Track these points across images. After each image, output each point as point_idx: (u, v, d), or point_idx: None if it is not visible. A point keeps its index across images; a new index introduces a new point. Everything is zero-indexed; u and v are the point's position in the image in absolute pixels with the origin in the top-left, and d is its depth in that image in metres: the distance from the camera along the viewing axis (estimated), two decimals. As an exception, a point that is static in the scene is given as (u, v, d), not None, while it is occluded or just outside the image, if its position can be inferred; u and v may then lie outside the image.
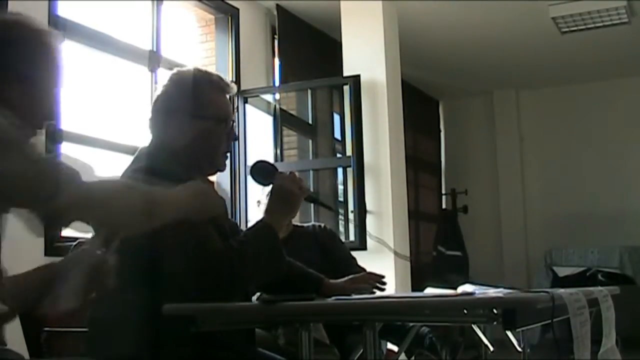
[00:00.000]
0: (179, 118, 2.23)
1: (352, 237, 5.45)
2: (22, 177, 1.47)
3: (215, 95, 2.30)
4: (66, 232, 3.86)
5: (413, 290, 5.57)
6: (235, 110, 5.68)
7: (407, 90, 6.63)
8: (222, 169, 2.35)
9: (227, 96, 2.34)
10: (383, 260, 5.20)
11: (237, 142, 5.63)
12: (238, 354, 2.14)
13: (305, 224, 4.04)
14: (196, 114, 2.24)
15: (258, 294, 2.53)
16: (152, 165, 2.12)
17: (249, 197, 5.50)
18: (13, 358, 1.72)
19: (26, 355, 2.13)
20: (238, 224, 5.43)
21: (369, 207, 5.38)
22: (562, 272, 7.46)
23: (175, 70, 2.35)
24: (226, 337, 2.14)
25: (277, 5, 6.05)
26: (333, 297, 2.07)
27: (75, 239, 3.72)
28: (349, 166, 5.47)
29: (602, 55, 7.73)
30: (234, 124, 2.34)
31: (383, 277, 2.73)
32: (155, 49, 4.89)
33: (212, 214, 1.95)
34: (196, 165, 2.25)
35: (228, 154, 2.35)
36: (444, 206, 9.13)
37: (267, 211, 2.16)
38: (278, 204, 2.16)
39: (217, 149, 2.30)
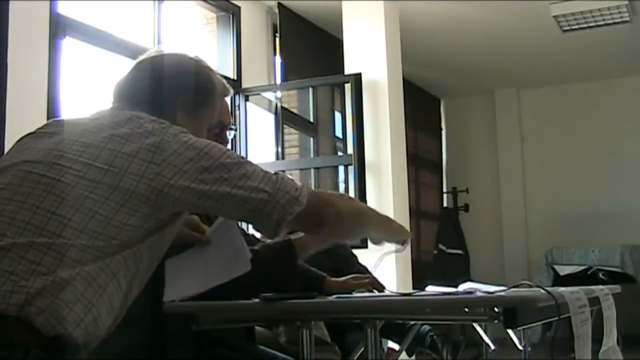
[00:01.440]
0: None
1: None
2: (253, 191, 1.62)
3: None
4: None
5: (414, 288, 5.57)
6: (237, 108, 5.68)
7: (408, 89, 6.63)
8: None
9: (227, 99, 2.33)
10: (384, 259, 5.19)
11: (238, 140, 5.63)
12: (239, 352, 2.14)
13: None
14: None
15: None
16: None
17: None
18: None
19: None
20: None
21: (370, 205, 5.37)
22: (563, 270, 7.46)
23: None
24: (227, 335, 2.14)
25: (279, 3, 6.05)
26: (334, 296, 2.07)
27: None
28: (350, 164, 5.47)
29: (604, 53, 7.72)
30: (229, 129, 2.32)
31: (384, 288, 2.72)
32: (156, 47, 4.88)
33: None
34: None
35: None
36: (445, 204, 9.13)
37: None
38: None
39: None
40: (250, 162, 1.66)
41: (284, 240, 2.12)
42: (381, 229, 2.03)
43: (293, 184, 1.65)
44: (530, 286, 2.09)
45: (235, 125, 2.31)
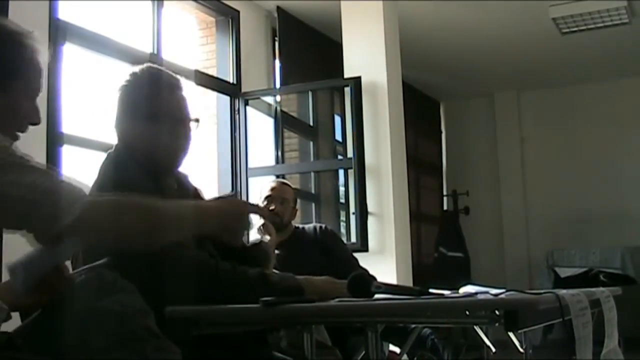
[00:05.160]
0: (135, 119, 2.24)
1: (353, 239, 5.45)
2: (18, 198, 1.49)
3: (168, 93, 2.26)
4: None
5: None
6: (236, 112, 5.68)
7: (408, 92, 6.63)
8: (175, 165, 2.31)
9: (180, 93, 2.29)
10: (385, 262, 5.20)
11: (238, 144, 5.63)
12: (251, 357, 2.15)
13: (307, 225, 4.04)
14: (148, 115, 2.23)
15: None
16: (106, 181, 2.15)
17: (250, 198, 5.50)
18: None
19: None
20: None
21: (370, 208, 5.37)
22: (563, 272, 7.46)
23: (134, 68, 2.33)
24: (238, 340, 2.14)
25: (278, 7, 6.05)
26: (336, 299, 2.07)
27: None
28: (350, 168, 5.47)
29: (603, 55, 7.73)
30: (189, 122, 2.28)
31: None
32: (156, 52, 4.89)
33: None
34: (154, 170, 2.24)
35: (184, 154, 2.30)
36: (445, 207, 9.13)
37: (309, 280, 2.19)
38: (320, 287, 2.16)
39: (178, 148, 2.27)
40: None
41: (297, 282, 2.14)
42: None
43: None
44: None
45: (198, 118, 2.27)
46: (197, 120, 2.30)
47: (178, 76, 2.32)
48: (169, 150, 2.25)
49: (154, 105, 2.22)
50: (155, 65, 2.36)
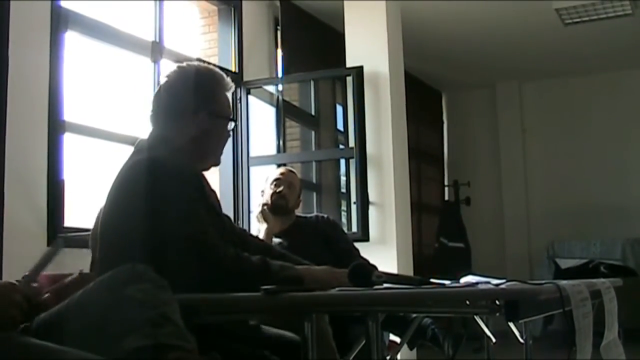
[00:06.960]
0: (183, 113, 2.24)
1: (354, 228, 5.45)
2: None
3: (221, 92, 2.30)
4: (69, 223, 3.87)
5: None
6: (238, 101, 5.68)
7: (409, 82, 6.62)
8: (218, 164, 2.38)
9: (223, 92, 2.33)
10: (385, 252, 5.21)
11: (239, 133, 5.63)
12: (244, 341, 2.16)
13: (308, 215, 4.05)
14: (203, 111, 2.24)
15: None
16: (155, 157, 2.13)
17: (251, 187, 5.51)
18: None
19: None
20: (241, 213, 5.46)
21: (371, 198, 5.38)
22: (564, 264, 7.46)
23: (182, 63, 2.35)
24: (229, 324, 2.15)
25: (280, -4, 6.04)
26: (337, 288, 2.07)
27: (76, 229, 3.72)
28: (352, 157, 5.47)
29: (606, 46, 7.71)
30: (227, 122, 2.33)
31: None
32: (158, 40, 4.88)
33: None
34: (199, 160, 2.28)
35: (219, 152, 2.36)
36: (446, 198, 9.12)
37: (309, 270, 2.18)
38: (320, 276, 2.16)
39: (220, 146, 2.32)
40: None
41: (296, 272, 2.13)
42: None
43: None
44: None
45: (235, 118, 2.32)
46: (233, 120, 2.33)
47: (225, 75, 2.34)
48: (204, 147, 2.28)
49: (194, 101, 2.24)
50: (202, 64, 2.39)
